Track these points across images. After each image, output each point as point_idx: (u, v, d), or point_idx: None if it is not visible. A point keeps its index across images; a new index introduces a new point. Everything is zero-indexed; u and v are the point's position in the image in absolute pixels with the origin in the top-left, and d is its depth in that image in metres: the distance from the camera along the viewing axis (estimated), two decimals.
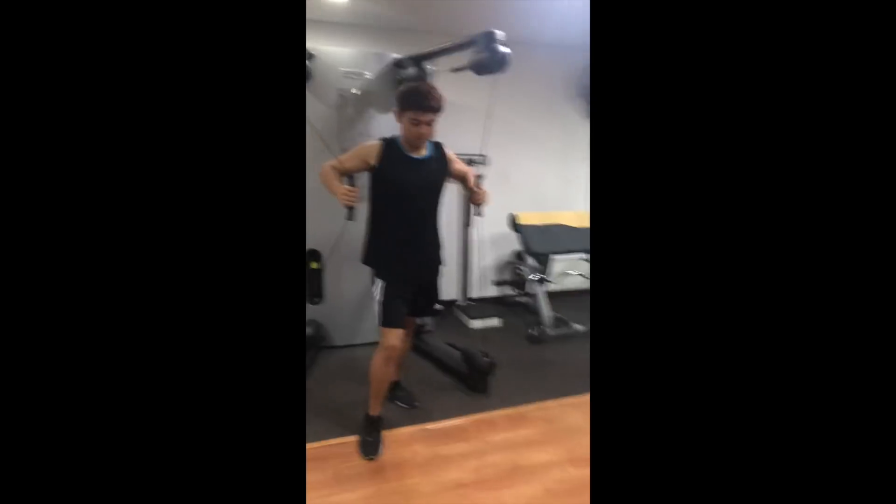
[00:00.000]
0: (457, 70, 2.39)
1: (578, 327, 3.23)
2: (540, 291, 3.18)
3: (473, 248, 3.61)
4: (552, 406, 2.31)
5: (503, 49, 2.05)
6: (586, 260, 3.58)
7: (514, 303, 3.83)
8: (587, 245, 3.42)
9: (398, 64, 2.70)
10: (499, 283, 3.81)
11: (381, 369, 1.86)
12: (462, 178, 1.94)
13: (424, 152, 1.82)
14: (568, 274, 3.76)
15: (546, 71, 3.68)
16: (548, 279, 3.34)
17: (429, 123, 1.72)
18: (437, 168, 1.85)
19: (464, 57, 2.30)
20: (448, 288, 3.17)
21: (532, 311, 3.63)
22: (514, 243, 3.76)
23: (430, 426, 2.12)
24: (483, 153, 3.47)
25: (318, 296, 2.88)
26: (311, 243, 2.79)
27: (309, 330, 2.73)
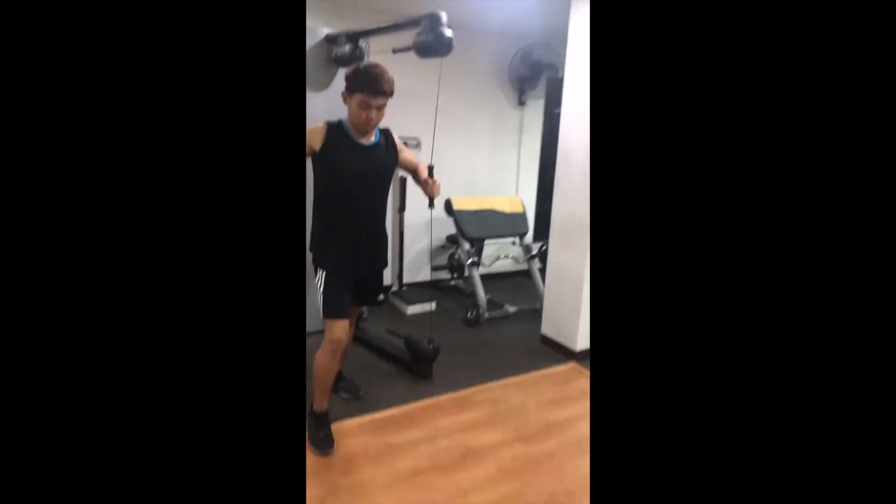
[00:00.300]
0: (398, 51, 2.32)
1: (510, 309, 3.35)
2: (475, 275, 3.24)
3: (406, 233, 3.58)
4: (495, 387, 2.38)
5: (448, 33, 2.02)
6: (515, 244, 3.70)
7: (447, 287, 3.87)
8: (517, 230, 3.53)
9: (330, 39, 2.56)
10: (436, 269, 3.82)
11: (326, 363, 1.79)
12: (412, 169, 1.89)
13: (372, 138, 1.75)
14: (499, 258, 3.88)
15: (478, 57, 3.70)
16: (481, 262, 3.40)
17: (379, 108, 1.65)
18: (386, 156, 1.79)
19: (405, 38, 2.24)
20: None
21: (466, 294, 3.70)
22: (446, 228, 3.78)
23: (378, 415, 2.09)
24: (418, 137, 3.44)
25: None
26: None
27: None
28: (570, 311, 2.68)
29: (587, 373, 2.53)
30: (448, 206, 3.42)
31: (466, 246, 3.34)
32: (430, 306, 3.40)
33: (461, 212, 3.35)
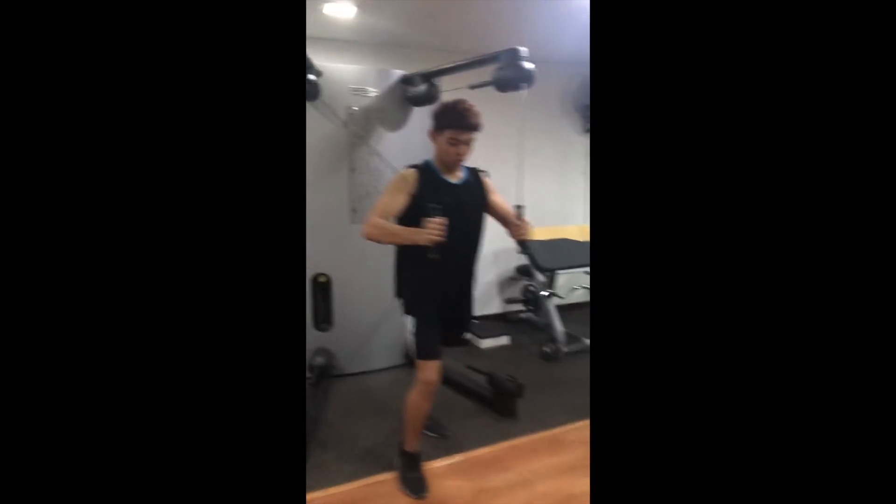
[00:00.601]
0: (475, 87, 2.35)
1: (588, 342, 3.21)
2: (551, 307, 3.14)
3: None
4: (584, 427, 2.25)
5: (528, 66, 2.02)
6: (588, 273, 3.58)
7: (517, 319, 3.79)
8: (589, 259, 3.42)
9: (406, 80, 2.64)
10: (509, 301, 3.75)
11: (419, 404, 1.75)
12: (501, 212, 1.79)
13: (461, 175, 1.74)
14: (574, 288, 3.76)
15: (542, 87, 3.68)
16: (558, 294, 3.31)
17: (467, 143, 1.64)
18: (475, 195, 1.75)
19: (482, 74, 2.27)
20: None
21: (539, 327, 3.59)
22: (515, 259, 3.72)
23: (466, 456, 2.02)
24: (486, 170, 3.46)
25: (327, 322, 2.74)
26: (320, 268, 2.67)
27: (320, 359, 2.59)
28: None
29: None
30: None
31: (540, 277, 3.26)
32: (504, 340, 3.32)
33: (533, 242, 3.29)
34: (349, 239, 2.67)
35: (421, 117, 2.76)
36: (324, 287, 2.70)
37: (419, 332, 1.71)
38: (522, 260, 3.72)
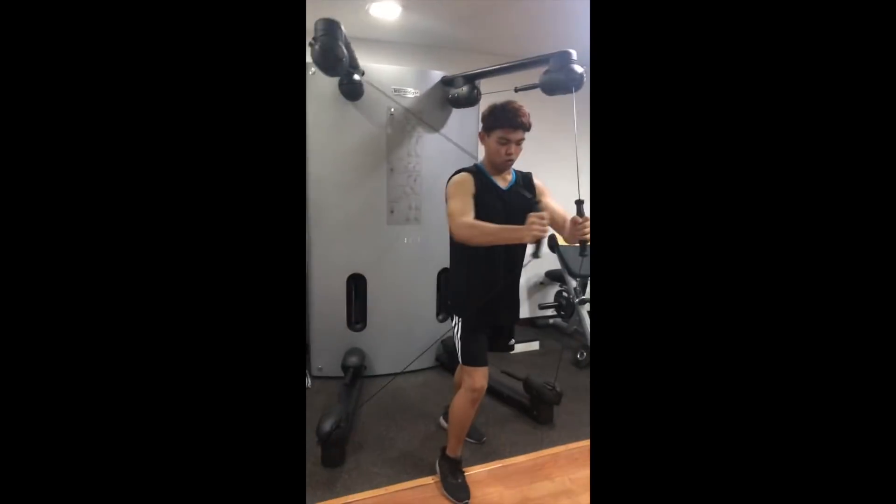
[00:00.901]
0: (520, 90, 2.33)
1: None
2: (584, 314, 3.10)
3: None
4: None
5: (578, 69, 2.00)
6: None
7: (546, 325, 3.75)
8: None
9: (446, 82, 2.63)
10: (543, 307, 3.71)
11: (466, 411, 1.72)
12: (553, 217, 1.67)
13: (509, 179, 1.72)
14: None
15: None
16: (590, 300, 3.26)
17: (518, 142, 1.62)
18: (524, 199, 1.70)
19: (525, 76, 2.24)
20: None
21: (568, 333, 3.56)
22: (545, 264, 3.69)
23: (506, 463, 1.99)
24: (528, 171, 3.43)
25: (361, 322, 2.74)
26: (356, 268, 2.66)
27: (353, 359, 2.58)
28: None
29: None
30: (552, 242, 3.33)
31: (573, 283, 3.23)
32: (535, 345, 3.28)
33: (566, 248, 3.25)
34: (386, 239, 2.67)
35: (460, 119, 2.75)
36: (358, 287, 2.70)
37: (465, 336, 1.69)
38: (553, 265, 3.69)
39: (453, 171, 1.71)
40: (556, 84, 2.04)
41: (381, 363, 2.77)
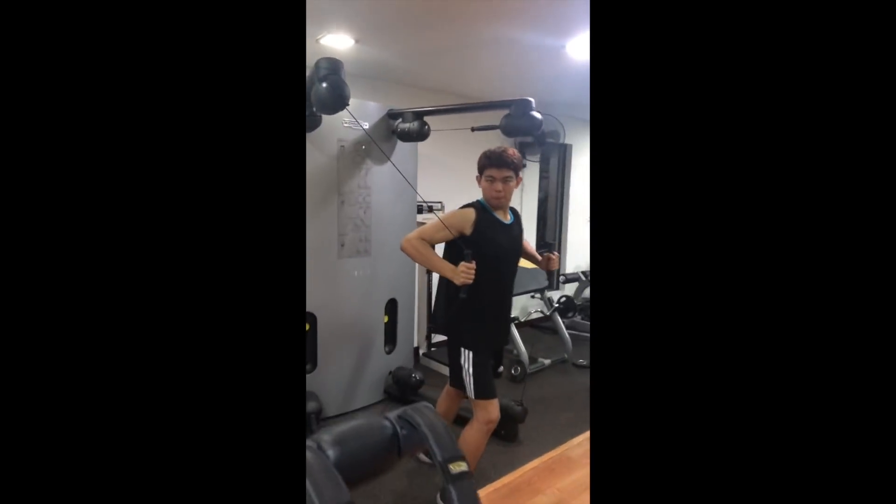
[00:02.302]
0: (478, 129, 2.48)
1: (545, 361, 3.48)
2: (515, 331, 3.35)
3: (432, 293, 3.63)
4: (584, 441, 2.47)
5: (538, 116, 2.23)
6: (533, 297, 3.90)
7: None
8: (540, 284, 3.73)
9: (392, 115, 2.66)
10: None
11: (478, 443, 1.79)
12: (529, 251, 2.04)
13: (509, 216, 1.86)
14: (529, 312, 4.03)
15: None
16: (518, 318, 3.54)
17: (505, 180, 1.76)
18: (519, 234, 1.90)
19: (477, 118, 2.41)
20: (409, 334, 3.12)
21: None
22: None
23: (497, 485, 2.08)
24: (441, 201, 3.58)
25: (311, 362, 2.58)
26: (306, 306, 2.51)
27: (312, 405, 2.43)
28: None
29: None
30: None
31: None
32: None
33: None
34: (336, 273, 2.58)
35: (407, 153, 2.80)
36: (308, 326, 2.55)
37: (477, 369, 1.76)
38: None
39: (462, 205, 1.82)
40: (518, 129, 2.25)
41: (332, 404, 2.64)
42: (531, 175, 4.41)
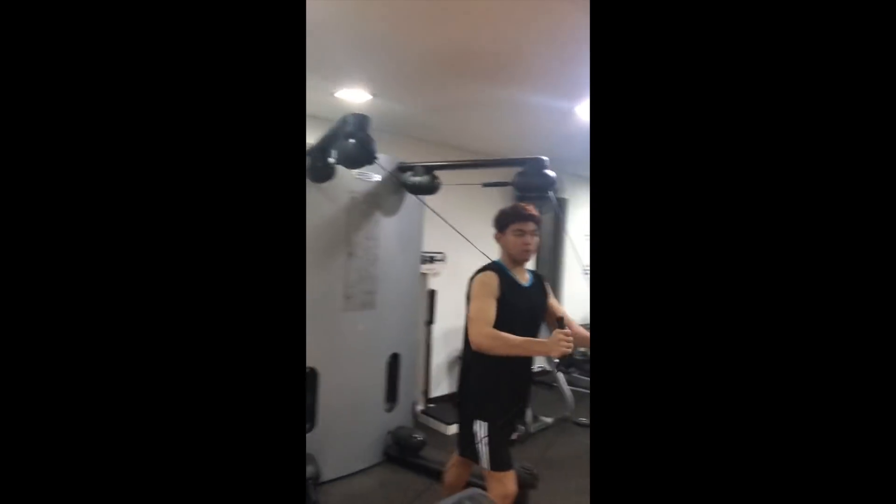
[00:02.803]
0: (490, 185, 2.50)
1: (547, 420, 3.37)
2: (562, 378, 3.25)
3: (431, 346, 3.53)
4: None
5: (552, 174, 2.25)
6: None
7: None
8: None
9: (402, 168, 2.66)
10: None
11: None
12: (556, 315, 1.80)
13: (527, 277, 1.82)
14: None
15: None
16: None
17: (532, 233, 1.73)
18: (540, 298, 1.82)
19: (485, 174, 2.43)
20: (411, 391, 3.01)
21: None
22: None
23: None
24: (443, 252, 3.55)
25: (309, 422, 2.44)
26: (308, 361, 2.40)
27: (309, 468, 2.27)
28: None
29: None
30: None
31: None
32: None
33: None
34: (341, 327, 2.49)
35: (413, 205, 2.79)
36: (309, 382, 2.42)
37: (493, 439, 1.66)
38: None
39: (477, 270, 1.75)
40: (532, 186, 2.26)
41: (330, 466, 2.48)
42: None
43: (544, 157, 2.23)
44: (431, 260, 3.47)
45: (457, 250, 3.75)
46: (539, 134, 3.04)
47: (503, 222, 1.74)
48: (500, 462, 1.65)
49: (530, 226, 1.72)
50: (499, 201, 4.14)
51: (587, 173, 4.86)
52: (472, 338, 1.56)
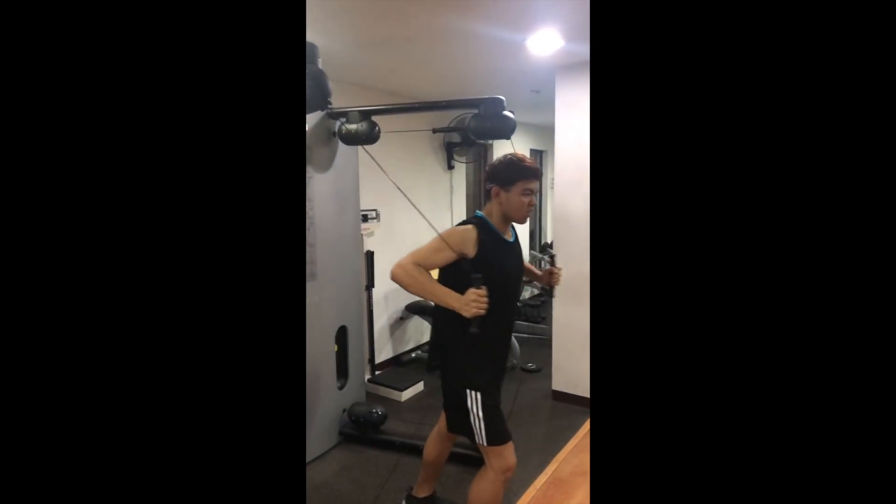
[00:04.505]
0: (440, 130, 2.21)
1: None
2: None
3: (373, 312, 3.29)
4: (566, 462, 2.36)
5: (511, 115, 2.03)
6: None
7: (409, 360, 3.65)
8: None
9: (332, 115, 2.28)
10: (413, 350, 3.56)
11: (496, 495, 1.55)
12: (527, 267, 1.83)
13: (511, 234, 1.64)
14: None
15: (414, 124, 3.69)
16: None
17: (535, 192, 1.57)
18: (520, 252, 1.69)
19: (427, 118, 2.15)
20: (361, 363, 2.78)
21: (437, 365, 3.55)
22: (402, 300, 3.60)
23: None
24: (376, 208, 3.21)
25: None
26: None
27: None
28: (587, 363, 2.84)
29: None
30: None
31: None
32: (420, 387, 3.16)
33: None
34: None
35: (350, 158, 2.44)
36: None
37: (487, 412, 1.52)
38: (410, 298, 3.63)
39: (460, 221, 1.57)
40: (487, 131, 2.03)
41: None
42: (459, 177, 4.24)
43: (501, 97, 2.00)
44: (365, 219, 3.16)
45: (390, 206, 3.47)
46: (485, 72, 2.78)
47: (510, 178, 1.53)
48: (497, 436, 1.53)
49: (536, 184, 1.56)
50: (429, 150, 3.91)
51: (540, 120, 4.71)
52: (393, 267, 1.47)
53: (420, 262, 1.46)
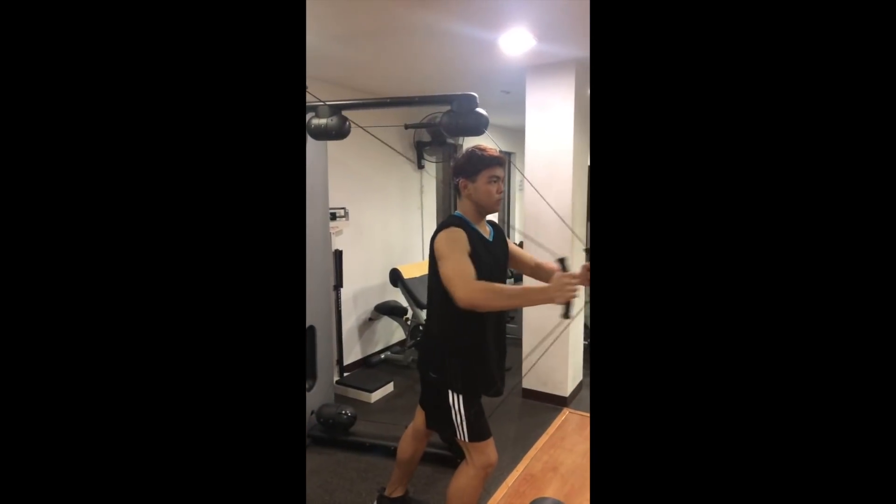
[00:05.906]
0: (412, 126, 2.19)
1: None
2: None
3: (341, 312, 3.23)
4: (537, 458, 2.37)
5: (483, 112, 2.03)
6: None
7: (378, 362, 3.60)
8: None
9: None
10: (409, 344, 3.51)
11: (475, 491, 1.54)
12: (529, 265, 1.72)
13: (488, 230, 1.63)
14: None
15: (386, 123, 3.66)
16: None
17: (501, 179, 1.56)
18: (504, 249, 1.67)
19: (397, 113, 2.13)
20: (329, 364, 2.72)
21: (405, 365, 3.51)
22: (372, 299, 3.55)
23: None
24: (345, 206, 3.12)
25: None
26: None
27: None
28: (557, 360, 2.87)
29: (586, 413, 2.75)
30: (395, 275, 3.24)
31: (423, 314, 3.21)
32: (390, 388, 3.12)
33: (412, 280, 3.22)
34: None
35: (316, 153, 2.38)
36: None
37: (469, 409, 1.51)
38: (380, 299, 3.59)
39: (439, 225, 1.54)
40: (460, 127, 2.02)
41: None
42: (429, 177, 4.23)
43: (474, 94, 2.00)
44: (333, 217, 3.10)
45: (359, 204, 3.42)
46: (456, 70, 2.78)
47: (475, 168, 1.52)
48: (478, 433, 1.52)
49: (501, 171, 1.55)
50: (400, 149, 3.87)
51: (510, 122, 4.73)
52: (461, 296, 1.32)
53: (469, 277, 1.36)
